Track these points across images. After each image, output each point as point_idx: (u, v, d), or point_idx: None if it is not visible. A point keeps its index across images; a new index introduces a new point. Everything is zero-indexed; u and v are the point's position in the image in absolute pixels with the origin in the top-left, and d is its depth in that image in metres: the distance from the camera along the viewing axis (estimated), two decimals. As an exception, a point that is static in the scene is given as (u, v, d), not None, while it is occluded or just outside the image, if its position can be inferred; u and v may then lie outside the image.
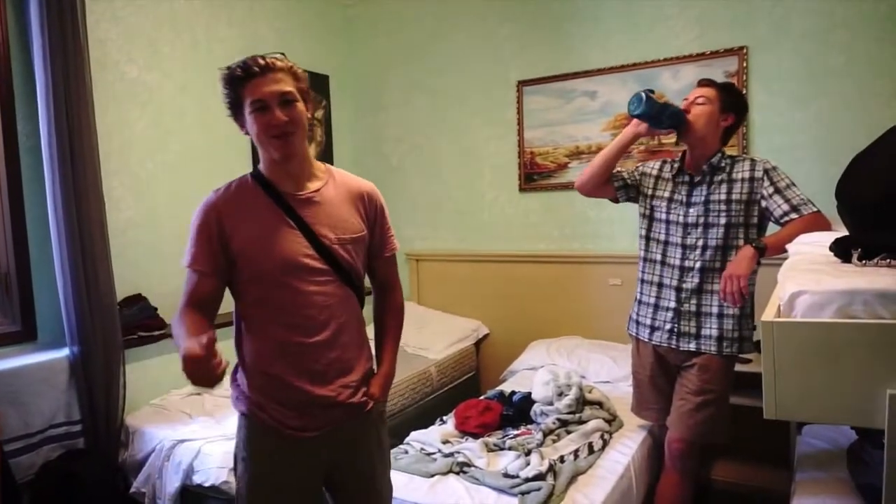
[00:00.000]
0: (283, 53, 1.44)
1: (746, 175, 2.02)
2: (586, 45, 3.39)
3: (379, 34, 4.11)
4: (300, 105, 1.42)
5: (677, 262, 2.11)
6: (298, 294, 1.42)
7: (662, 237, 2.15)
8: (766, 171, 1.99)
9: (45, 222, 2.48)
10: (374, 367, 1.62)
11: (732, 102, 2.08)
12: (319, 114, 3.98)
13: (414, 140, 4.05)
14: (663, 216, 2.15)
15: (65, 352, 2.51)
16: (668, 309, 2.13)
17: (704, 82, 2.12)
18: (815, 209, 1.90)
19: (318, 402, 1.45)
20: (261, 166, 1.49)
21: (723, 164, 2.06)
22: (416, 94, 4.00)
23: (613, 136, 3.30)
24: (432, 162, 3.99)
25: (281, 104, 1.37)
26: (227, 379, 1.43)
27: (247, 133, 1.44)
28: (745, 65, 2.98)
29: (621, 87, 3.30)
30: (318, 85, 3.95)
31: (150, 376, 2.86)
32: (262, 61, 1.37)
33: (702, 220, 2.06)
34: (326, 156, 4.02)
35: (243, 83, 1.37)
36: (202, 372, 1.16)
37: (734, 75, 2.99)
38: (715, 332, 2.05)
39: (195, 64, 3.15)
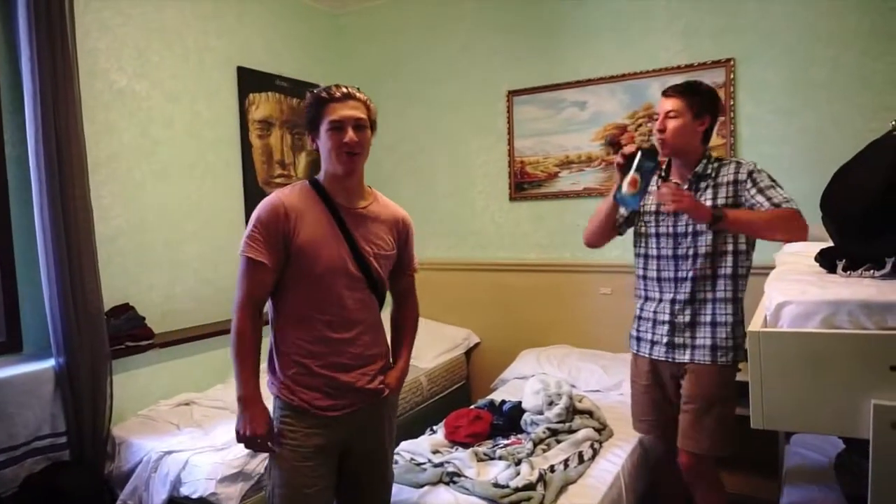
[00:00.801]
0: (358, 88, 1.66)
1: (731, 178, 2.02)
2: (576, 55, 3.42)
3: (370, 44, 4.12)
4: (368, 132, 1.64)
5: (671, 275, 2.10)
6: (336, 295, 1.63)
7: (654, 252, 2.13)
8: (749, 173, 1.99)
9: (32, 231, 2.46)
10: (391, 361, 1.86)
11: (704, 105, 2.04)
12: (310, 123, 3.98)
13: (405, 149, 4.05)
14: (652, 230, 2.13)
15: (50, 362, 2.48)
16: (664, 322, 2.11)
17: (670, 93, 2.07)
18: (793, 207, 1.88)
19: (343, 387, 1.66)
20: (321, 177, 1.69)
21: (709, 171, 2.05)
22: (408, 103, 4.01)
23: (603, 146, 3.37)
24: (423, 171, 4.00)
25: (354, 127, 1.59)
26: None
27: (316, 148, 1.67)
28: (732, 76, 3.02)
29: (610, 97, 3.33)
30: (308, 94, 3.96)
31: (138, 387, 2.83)
32: (344, 89, 1.61)
33: (690, 228, 2.05)
34: (317, 165, 3.99)
35: (325, 104, 1.60)
36: (256, 447, 1.63)
37: (722, 87, 3.02)
38: (709, 342, 2.04)
39: (185, 73, 3.15)
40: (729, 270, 2.02)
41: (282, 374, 1.67)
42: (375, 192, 1.80)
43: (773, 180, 1.98)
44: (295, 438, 1.65)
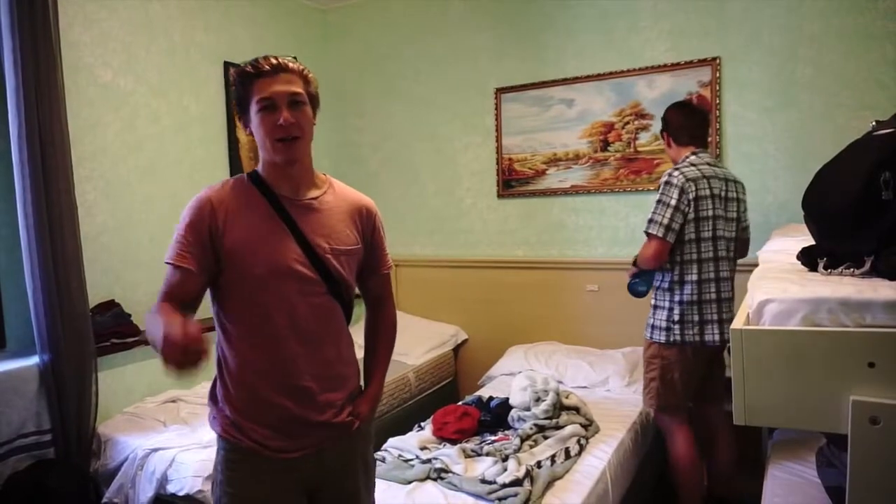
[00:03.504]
0: (294, 57, 1.40)
1: None
2: (563, 53, 3.43)
3: (357, 40, 4.11)
4: (308, 109, 1.38)
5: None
6: (284, 301, 1.36)
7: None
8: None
9: (15, 228, 2.44)
10: (362, 385, 1.58)
11: (662, 122, 2.52)
12: (297, 119, 3.96)
13: (392, 146, 4.05)
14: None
15: (35, 360, 2.46)
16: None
17: None
18: (647, 232, 2.32)
19: (301, 421, 1.38)
20: (259, 168, 1.44)
21: None
22: (395, 100, 4.00)
23: (590, 144, 3.39)
24: (410, 168, 4.00)
25: (289, 104, 1.34)
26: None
27: (250, 133, 1.40)
28: (717, 75, 3.04)
29: (598, 95, 3.35)
30: (296, 90, 3.94)
31: (124, 384, 2.81)
32: (273, 60, 1.35)
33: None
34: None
35: (252, 81, 1.34)
36: (181, 356, 1.10)
37: (707, 85, 3.05)
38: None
39: (171, 68, 3.12)
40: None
41: (226, 404, 1.39)
42: (331, 180, 1.52)
43: (659, 199, 2.32)
44: (245, 488, 1.38)
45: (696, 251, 2.33)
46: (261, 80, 1.33)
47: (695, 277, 2.32)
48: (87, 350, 2.54)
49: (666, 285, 2.38)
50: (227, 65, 3.40)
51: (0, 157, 2.46)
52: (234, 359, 1.38)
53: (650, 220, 2.31)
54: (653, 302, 2.44)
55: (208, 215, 1.35)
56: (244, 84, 1.36)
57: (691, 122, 2.45)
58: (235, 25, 3.49)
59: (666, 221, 2.28)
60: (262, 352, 1.37)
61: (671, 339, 2.35)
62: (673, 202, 2.28)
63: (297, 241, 1.38)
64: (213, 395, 1.44)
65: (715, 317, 2.32)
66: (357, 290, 1.55)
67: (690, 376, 2.39)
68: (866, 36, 2.74)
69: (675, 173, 2.32)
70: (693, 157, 2.38)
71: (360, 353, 1.56)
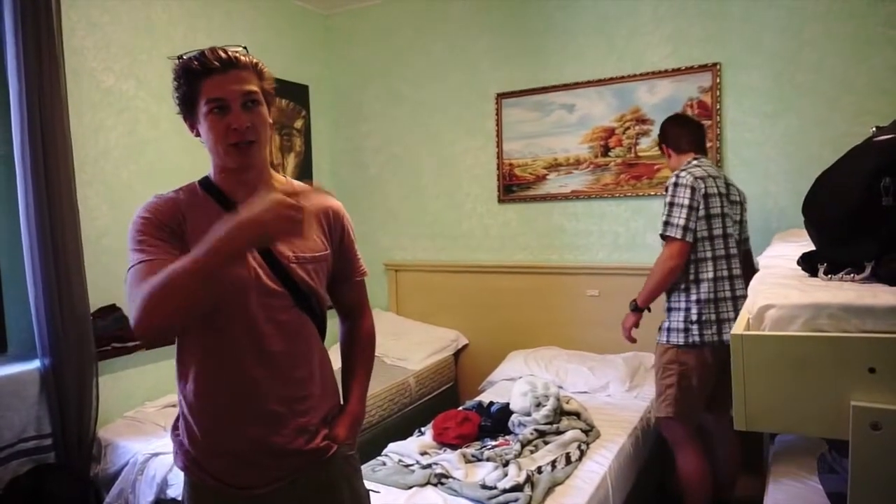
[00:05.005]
0: (244, 47, 1.24)
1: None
2: (564, 59, 3.44)
3: (359, 45, 4.12)
4: (264, 109, 1.22)
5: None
6: (247, 318, 1.21)
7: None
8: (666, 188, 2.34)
9: (17, 231, 2.44)
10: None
11: (661, 137, 2.54)
12: (299, 124, 3.98)
13: (393, 150, 4.06)
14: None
15: (35, 364, 2.46)
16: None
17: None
18: (663, 236, 2.31)
19: (269, 451, 1.23)
20: (211, 174, 1.30)
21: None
22: (396, 104, 4.01)
23: (591, 149, 3.39)
24: (412, 172, 4.00)
25: (243, 105, 1.18)
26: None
27: (197, 135, 1.25)
28: (718, 80, 3.05)
29: (599, 100, 3.36)
30: (297, 95, 3.95)
31: (125, 388, 2.81)
32: (223, 55, 1.18)
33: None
34: (305, 166, 4.01)
35: (200, 79, 1.17)
36: (289, 210, 1.03)
37: (708, 91, 3.06)
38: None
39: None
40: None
41: (186, 438, 1.26)
42: (294, 183, 1.36)
43: (671, 202, 2.30)
44: None
45: (711, 248, 2.30)
46: (210, 78, 1.17)
47: (710, 275, 2.29)
48: (88, 354, 2.54)
49: (682, 285, 2.33)
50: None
51: (2, 161, 2.46)
52: (193, 386, 1.23)
53: (666, 224, 2.28)
54: (666, 305, 2.40)
55: (171, 211, 1.22)
56: (190, 82, 1.19)
57: (687, 129, 2.48)
58: (237, 30, 3.50)
59: (682, 222, 2.25)
60: (223, 376, 1.23)
61: (690, 339, 2.30)
62: (686, 201, 2.25)
63: (257, 251, 1.22)
64: (174, 429, 1.30)
65: (732, 315, 2.29)
66: (329, 302, 1.40)
67: (707, 382, 2.35)
68: (867, 42, 2.74)
69: (683, 173, 2.30)
70: (695, 161, 2.39)
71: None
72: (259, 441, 1.23)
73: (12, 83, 2.37)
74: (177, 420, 1.30)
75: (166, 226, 1.19)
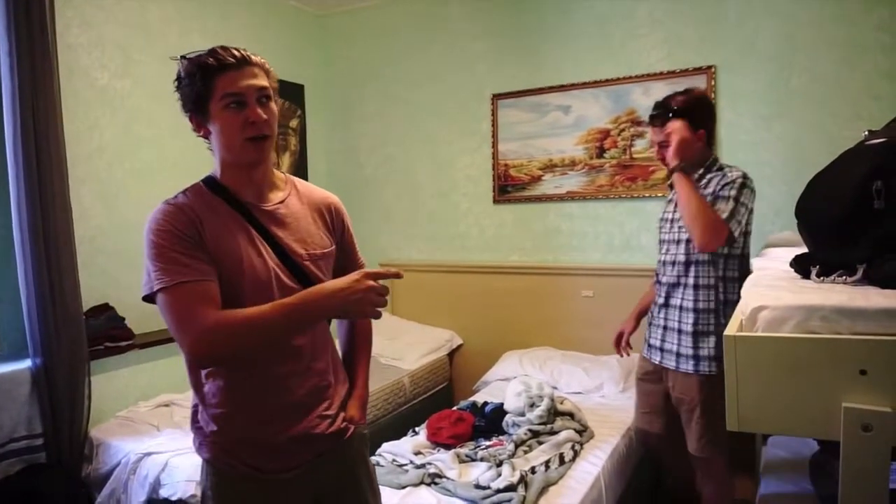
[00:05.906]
0: (244, 49, 1.29)
1: (712, 189, 2.03)
2: (560, 60, 3.45)
3: (355, 45, 4.12)
4: (274, 105, 1.28)
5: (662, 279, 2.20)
6: None
7: (661, 257, 2.22)
8: (724, 185, 2.01)
9: (9, 230, 2.42)
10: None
11: (698, 118, 2.08)
12: (294, 123, 3.97)
13: (388, 151, 4.05)
14: (659, 235, 2.25)
15: (27, 363, 2.45)
16: (650, 325, 2.22)
17: (657, 121, 2.13)
18: (726, 223, 1.95)
19: (297, 439, 1.29)
20: (216, 173, 1.31)
21: (702, 182, 2.08)
22: (392, 104, 4.01)
23: (586, 150, 3.40)
24: (407, 172, 4.00)
25: (258, 101, 1.23)
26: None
27: (203, 134, 1.28)
28: (713, 83, 3.06)
29: (594, 101, 3.36)
30: (293, 95, 3.94)
31: (117, 388, 2.80)
32: (237, 52, 1.23)
33: (675, 236, 2.13)
34: (300, 165, 4.00)
35: (215, 75, 1.21)
36: (381, 300, 1.19)
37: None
38: (674, 348, 2.12)
39: (168, 72, 3.08)
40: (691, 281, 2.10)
41: (214, 431, 1.28)
42: (293, 180, 1.42)
43: (738, 198, 1.99)
44: None
45: (738, 268, 2.09)
46: (226, 74, 1.21)
47: (736, 297, 2.01)
48: (81, 353, 2.53)
49: (711, 305, 2.06)
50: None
51: (-5, 159, 2.45)
52: (221, 385, 1.27)
53: (732, 215, 1.97)
54: (689, 328, 2.09)
55: (189, 219, 1.21)
56: (204, 78, 1.21)
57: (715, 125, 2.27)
58: (232, 30, 3.49)
59: (744, 227, 2.04)
60: (254, 374, 1.26)
61: (700, 368, 2.07)
62: (751, 206, 2.04)
63: (273, 251, 1.27)
64: (195, 422, 1.32)
65: None
66: None
67: None
68: (859, 47, 2.76)
69: (749, 178, 2.06)
70: (727, 164, 2.16)
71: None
72: (287, 431, 1.29)
73: (5, 80, 2.35)
74: (195, 413, 1.33)
75: (187, 236, 1.20)
